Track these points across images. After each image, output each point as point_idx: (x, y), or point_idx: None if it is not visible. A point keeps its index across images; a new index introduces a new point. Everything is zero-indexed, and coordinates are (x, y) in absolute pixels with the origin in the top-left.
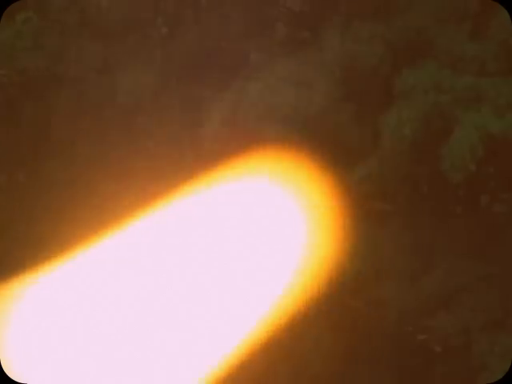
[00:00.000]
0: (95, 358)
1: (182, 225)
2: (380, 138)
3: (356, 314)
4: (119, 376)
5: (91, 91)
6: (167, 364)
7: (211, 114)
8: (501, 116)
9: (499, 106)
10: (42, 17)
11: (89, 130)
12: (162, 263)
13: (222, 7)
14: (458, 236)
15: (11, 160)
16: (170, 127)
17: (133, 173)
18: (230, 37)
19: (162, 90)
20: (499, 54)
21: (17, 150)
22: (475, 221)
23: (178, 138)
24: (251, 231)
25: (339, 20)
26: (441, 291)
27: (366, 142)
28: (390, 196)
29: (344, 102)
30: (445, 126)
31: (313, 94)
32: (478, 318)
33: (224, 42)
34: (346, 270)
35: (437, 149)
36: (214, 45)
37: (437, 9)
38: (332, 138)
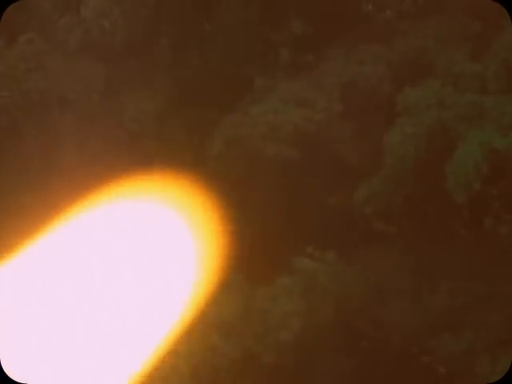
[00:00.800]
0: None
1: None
2: (383, 156)
3: (361, 336)
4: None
5: (95, 114)
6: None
7: (215, 136)
8: (504, 134)
9: (502, 124)
10: (45, 38)
11: (94, 152)
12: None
13: (225, 31)
14: (462, 257)
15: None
16: (175, 149)
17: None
18: (233, 60)
19: (166, 112)
20: (500, 73)
21: (22, 172)
22: (479, 242)
23: (183, 159)
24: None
25: (342, 43)
26: (445, 312)
27: (369, 161)
28: (393, 217)
29: (346, 120)
30: (448, 143)
31: (315, 113)
32: (482, 338)
33: (228, 66)
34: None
35: (441, 166)
36: (218, 68)
37: (438, 30)
38: (334, 157)
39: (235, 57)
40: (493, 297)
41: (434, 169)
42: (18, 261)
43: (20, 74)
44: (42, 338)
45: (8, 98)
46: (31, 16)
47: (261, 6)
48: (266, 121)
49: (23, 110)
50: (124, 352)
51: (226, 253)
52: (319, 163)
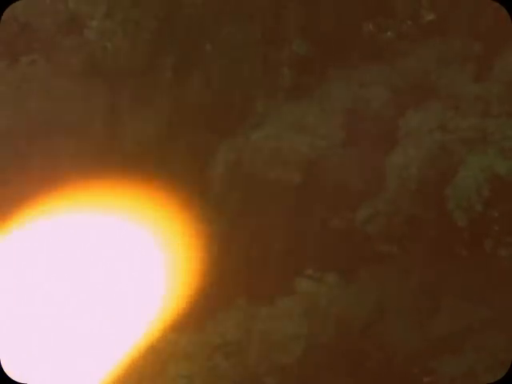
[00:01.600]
0: None
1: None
2: (385, 178)
3: (362, 357)
4: None
5: (96, 136)
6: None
7: (216, 160)
8: (506, 158)
9: (504, 148)
10: (47, 59)
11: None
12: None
13: (227, 53)
14: (464, 278)
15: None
16: (175, 172)
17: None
18: (235, 83)
19: (167, 135)
20: (502, 96)
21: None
22: (480, 264)
23: (185, 183)
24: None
25: (343, 64)
26: (446, 333)
27: (371, 183)
28: (395, 238)
29: (348, 144)
30: (450, 166)
31: (316, 137)
32: (483, 360)
33: (230, 88)
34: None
35: (442, 189)
36: (219, 91)
37: (439, 51)
38: (336, 181)
39: (236, 78)
40: (494, 319)
41: (435, 191)
42: None
43: (22, 95)
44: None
45: (10, 118)
46: (34, 37)
47: (262, 27)
48: (267, 146)
49: (25, 133)
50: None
51: (227, 274)
52: (321, 187)
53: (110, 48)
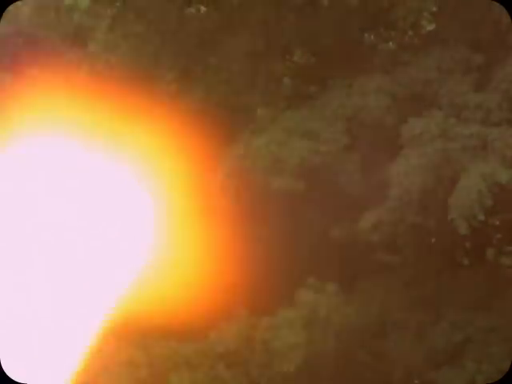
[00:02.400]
0: None
1: None
2: (387, 187)
3: (363, 367)
4: None
5: (98, 145)
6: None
7: (218, 167)
8: (508, 166)
9: (506, 156)
10: (52, 72)
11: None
12: None
13: (228, 63)
14: (465, 288)
15: None
16: (177, 181)
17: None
18: (236, 92)
19: (168, 144)
20: (503, 104)
21: None
22: (482, 273)
23: (186, 191)
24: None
25: (345, 74)
26: (447, 344)
27: (374, 192)
28: (397, 247)
29: (350, 152)
30: (452, 175)
31: (319, 145)
32: (484, 370)
33: (231, 98)
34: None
35: (445, 198)
36: (221, 100)
37: (440, 61)
38: (339, 189)
39: (238, 87)
40: (495, 329)
41: (437, 200)
42: None
43: (27, 108)
44: None
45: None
46: (39, 50)
47: (264, 38)
48: (269, 152)
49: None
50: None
51: (228, 284)
52: (323, 195)
53: (114, 61)
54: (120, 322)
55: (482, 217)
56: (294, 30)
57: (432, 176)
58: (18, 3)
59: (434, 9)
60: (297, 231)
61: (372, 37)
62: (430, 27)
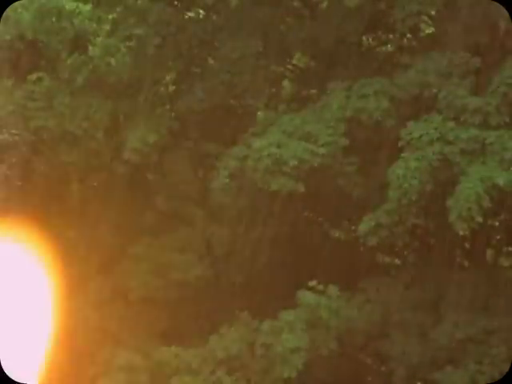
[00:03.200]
0: None
1: None
2: (387, 189)
3: (365, 370)
4: None
5: (101, 148)
6: None
7: (218, 169)
8: (506, 169)
9: (504, 159)
10: (53, 77)
11: (98, 188)
12: None
13: (228, 65)
14: (466, 289)
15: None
16: (178, 182)
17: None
18: (237, 94)
19: (168, 145)
20: (501, 108)
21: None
22: (482, 274)
23: (187, 194)
24: None
25: (344, 77)
26: (449, 345)
27: (373, 194)
28: (397, 249)
29: (350, 154)
30: (451, 177)
31: (318, 147)
32: (485, 371)
33: (231, 100)
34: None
35: (443, 200)
36: (221, 102)
37: (439, 64)
38: (338, 191)
39: (238, 90)
40: (496, 329)
41: (436, 202)
42: None
43: (29, 113)
44: None
45: (17, 135)
46: (40, 55)
47: (263, 41)
48: (269, 154)
49: (31, 147)
50: None
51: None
52: (323, 197)
53: (114, 64)
54: (118, 327)
55: (480, 219)
56: (293, 33)
57: (431, 179)
58: (17, 3)
59: (433, 12)
60: (297, 233)
61: (370, 40)
62: (429, 30)
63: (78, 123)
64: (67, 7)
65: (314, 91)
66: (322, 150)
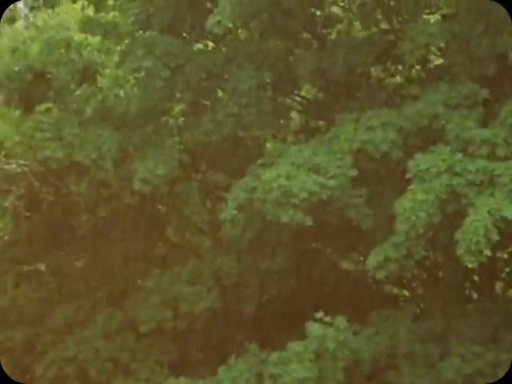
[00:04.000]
0: None
1: None
2: (395, 221)
3: None
4: None
5: (109, 179)
6: None
7: (227, 200)
8: None
9: None
10: (61, 108)
11: (107, 219)
12: None
13: (237, 97)
14: (474, 321)
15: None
16: (188, 214)
17: (151, 259)
18: (245, 126)
19: (179, 177)
20: (509, 139)
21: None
22: (490, 306)
23: (196, 225)
24: None
25: (352, 108)
26: (456, 377)
27: (381, 226)
28: (405, 281)
29: (358, 187)
30: (459, 210)
31: (327, 179)
32: None
33: (240, 131)
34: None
35: (452, 233)
36: (230, 133)
37: (448, 96)
38: (347, 223)
39: (246, 121)
40: (504, 362)
41: (444, 235)
42: None
43: (37, 144)
44: None
45: (25, 166)
46: (49, 86)
47: (272, 73)
48: (278, 186)
49: (39, 178)
50: None
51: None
52: (331, 228)
53: (123, 95)
54: (128, 358)
55: (488, 252)
56: (301, 65)
57: (438, 211)
58: (26, 35)
59: (442, 44)
60: (305, 264)
61: (379, 71)
62: (438, 62)
63: (86, 154)
64: (76, 39)
65: (322, 122)
66: (331, 183)
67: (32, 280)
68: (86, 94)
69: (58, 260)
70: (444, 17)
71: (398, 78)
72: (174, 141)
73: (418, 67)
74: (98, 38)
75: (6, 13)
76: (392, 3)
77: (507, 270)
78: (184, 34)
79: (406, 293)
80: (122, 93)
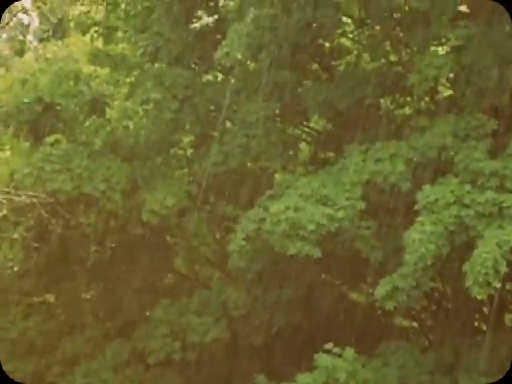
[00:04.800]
0: None
1: None
2: (403, 253)
3: None
4: None
5: (118, 210)
6: None
7: (236, 231)
8: None
9: None
10: (70, 139)
11: (116, 250)
12: None
13: (246, 128)
14: (483, 353)
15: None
16: (196, 245)
17: (160, 290)
18: (254, 157)
19: (186, 207)
20: None
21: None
22: (500, 338)
23: (205, 256)
24: None
25: (361, 140)
26: None
27: (390, 258)
28: (414, 313)
29: (367, 218)
30: (468, 241)
31: (336, 211)
32: None
33: (249, 162)
34: None
35: (460, 264)
36: (238, 165)
37: (456, 127)
38: (355, 254)
39: (255, 152)
40: None
41: (453, 266)
42: None
43: (46, 176)
44: None
45: (34, 198)
46: (58, 118)
47: (280, 104)
48: (286, 218)
49: (48, 210)
50: None
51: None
52: (340, 259)
53: (131, 127)
54: None
55: (497, 284)
56: (310, 96)
57: (447, 242)
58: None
59: (451, 75)
60: (314, 295)
61: (388, 102)
62: (447, 93)
63: (95, 185)
64: (85, 70)
65: (331, 154)
66: (339, 214)
67: (41, 311)
68: (95, 125)
69: (67, 291)
70: (453, 48)
71: (406, 110)
72: (183, 172)
73: (426, 98)
74: (107, 70)
75: (16, 45)
76: (401, 35)
77: None
78: (193, 66)
79: (415, 324)
80: (130, 124)
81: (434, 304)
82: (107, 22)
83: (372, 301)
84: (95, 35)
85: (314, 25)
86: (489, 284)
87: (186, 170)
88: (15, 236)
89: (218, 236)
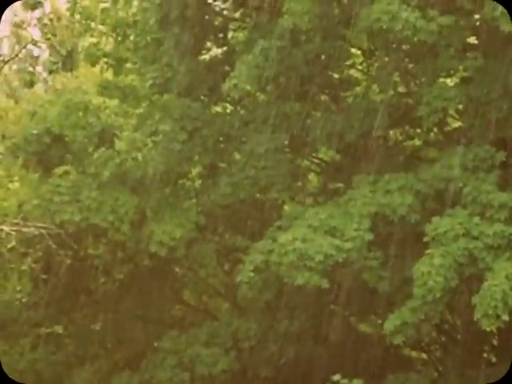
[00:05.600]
0: None
1: None
2: (412, 286)
3: None
4: None
5: (126, 241)
6: None
7: (244, 263)
8: None
9: None
10: (79, 171)
11: (124, 281)
12: None
13: (254, 160)
14: None
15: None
16: (205, 276)
17: (168, 321)
18: (263, 188)
19: (195, 239)
20: None
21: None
22: (510, 371)
23: (213, 287)
24: None
25: (370, 171)
26: None
27: (398, 290)
28: (423, 345)
29: (375, 250)
30: (476, 274)
31: (344, 242)
32: None
33: (257, 193)
34: None
35: (469, 297)
36: (247, 196)
37: (465, 159)
38: (363, 285)
39: (264, 184)
40: None
41: (462, 299)
42: None
43: (55, 207)
44: None
45: (42, 229)
46: (67, 150)
47: (289, 135)
48: (294, 249)
49: (57, 241)
50: None
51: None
52: (348, 291)
53: (140, 159)
54: None
55: (506, 317)
56: (319, 127)
57: (456, 275)
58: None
59: (460, 107)
60: (323, 327)
61: (397, 134)
62: (455, 125)
63: (103, 216)
64: (94, 102)
65: (339, 185)
66: (347, 246)
67: (49, 343)
68: (104, 157)
69: (76, 323)
70: (462, 80)
71: (415, 141)
72: (191, 203)
73: (435, 130)
74: (116, 101)
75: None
76: (410, 66)
77: None
78: (202, 97)
79: (424, 356)
80: (139, 156)
81: (443, 335)
82: (116, 54)
83: (381, 332)
84: (105, 66)
85: (323, 56)
86: (498, 317)
87: (194, 201)
88: (24, 267)
89: (226, 267)
